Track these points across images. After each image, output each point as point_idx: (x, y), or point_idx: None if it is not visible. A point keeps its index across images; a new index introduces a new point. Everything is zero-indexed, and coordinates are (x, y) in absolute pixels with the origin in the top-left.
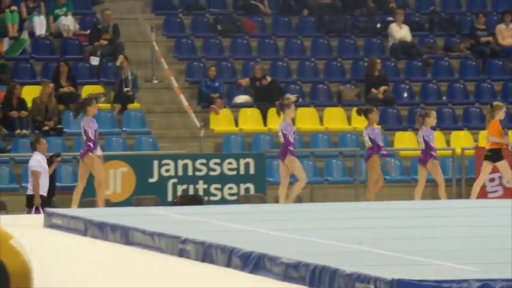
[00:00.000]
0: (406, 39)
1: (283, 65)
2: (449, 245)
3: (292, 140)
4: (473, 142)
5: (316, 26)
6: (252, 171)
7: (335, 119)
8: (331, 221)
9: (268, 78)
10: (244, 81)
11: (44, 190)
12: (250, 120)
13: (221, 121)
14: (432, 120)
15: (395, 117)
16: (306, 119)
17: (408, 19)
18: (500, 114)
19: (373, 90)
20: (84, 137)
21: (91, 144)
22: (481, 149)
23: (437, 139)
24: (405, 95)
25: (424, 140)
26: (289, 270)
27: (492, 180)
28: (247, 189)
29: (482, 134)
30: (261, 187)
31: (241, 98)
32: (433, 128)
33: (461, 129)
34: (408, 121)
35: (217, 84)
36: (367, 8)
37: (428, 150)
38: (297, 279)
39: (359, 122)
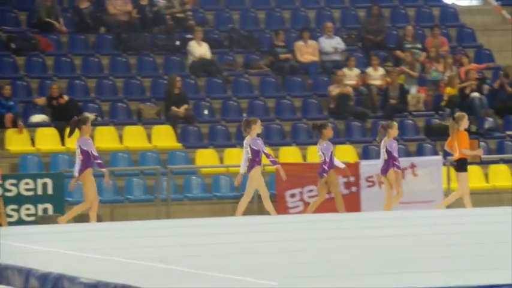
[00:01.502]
0: (205, 56)
1: (80, 83)
2: (253, 260)
3: (266, 151)
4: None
5: (114, 43)
6: (50, 191)
7: (135, 137)
8: (131, 239)
9: (66, 97)
10: (41, 100)
11: None
12: (47, 139)
13: (17, 141)
14: (395, 131)
15: (196, 134)
16: (106, 137)
17: (207, 36)
18: (465, 123)
19: (174, 108)
20: (81, 156)
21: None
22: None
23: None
24: (206, 112)
25: (387, 151)
26: None
27: (293, 195)
28: (45, 210)
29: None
30: (60, 207)
31: (37, 118)
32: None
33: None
34: (209, 138)
35: (12, 103)
36: (165, 25)
37: (391, 160)
38: None
39: (159, 141)
